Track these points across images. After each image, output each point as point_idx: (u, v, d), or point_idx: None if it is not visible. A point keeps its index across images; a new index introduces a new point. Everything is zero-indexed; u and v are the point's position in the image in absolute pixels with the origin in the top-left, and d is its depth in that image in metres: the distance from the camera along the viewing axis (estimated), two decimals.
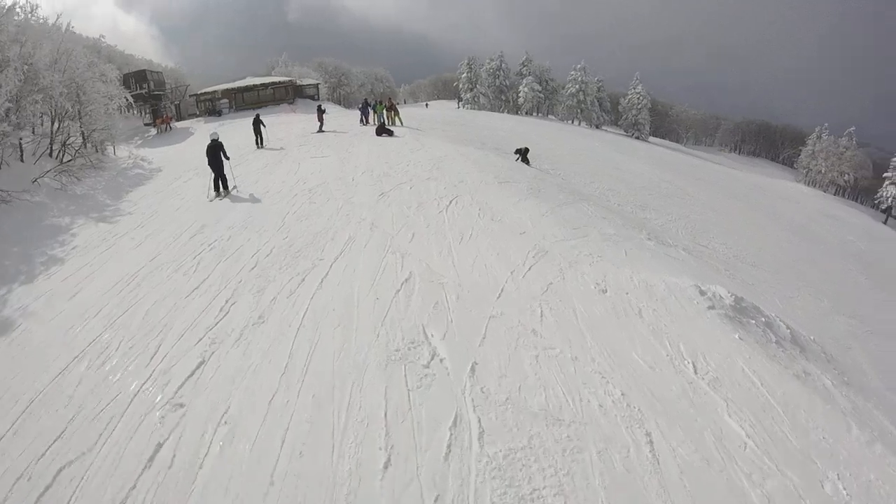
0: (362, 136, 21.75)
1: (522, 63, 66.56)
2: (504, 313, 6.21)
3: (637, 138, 61.69)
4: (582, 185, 20.47)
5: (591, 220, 12.55)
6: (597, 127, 63.44)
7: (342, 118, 30.32)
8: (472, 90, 64.37)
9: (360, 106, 27.80)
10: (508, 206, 11.61)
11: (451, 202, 11.46)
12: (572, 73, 63.56)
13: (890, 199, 52.11)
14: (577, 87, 62.14)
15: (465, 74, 65.45)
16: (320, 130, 23.67)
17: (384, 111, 24.53)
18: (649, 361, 5.67)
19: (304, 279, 7.34)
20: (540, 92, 63.16)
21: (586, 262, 8.17)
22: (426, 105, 66.42)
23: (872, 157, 62.87)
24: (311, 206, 11.38)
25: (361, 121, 26.31)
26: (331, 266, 7.74)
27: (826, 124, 62.74)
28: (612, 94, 68.35)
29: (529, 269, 7.67)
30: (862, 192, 63.37)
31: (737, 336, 6.53)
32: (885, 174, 53.68)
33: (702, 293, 7.49)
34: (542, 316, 6.18)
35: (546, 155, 25.04)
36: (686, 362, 5.82)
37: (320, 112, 24.83)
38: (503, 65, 64.89)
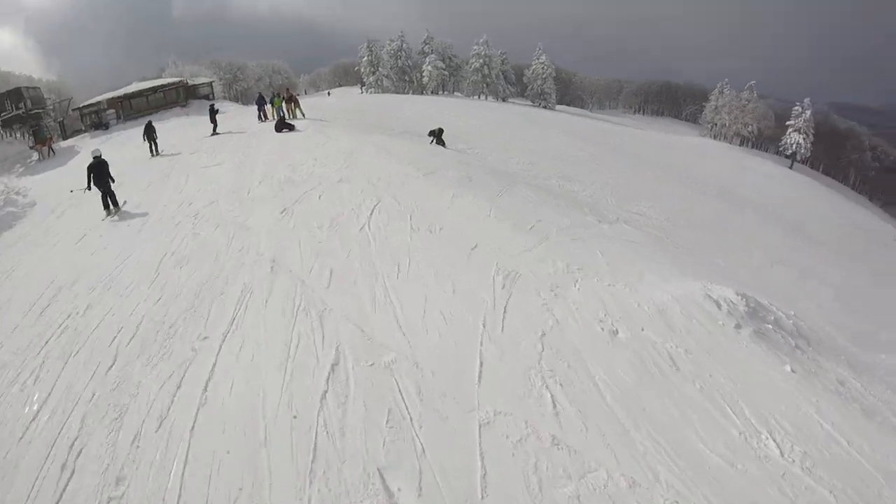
0: (261, 134, 18.46)
1: (424, 41, 62.42)
2: (499, 412, 3.86)
3: (544, 108, 60.04)
4: (501, 161, 18.84)
5: (537, 209, 10.74)
6: (503, 100, 60.95)
7: (239, 117, 26.49)
8: (374, 74, 60.33)
9: (256, 101, 24.22)
10: (444, 207, 9.40)
11: (372, 211, 8.97)
12: (475, 47, 60.36)
13: (794, 146, 53.07)
14: (480, 61, 59.28)
15: (365, 58, 61.16)
16: (214, 133, 20.06)
17: (282, 104, 21.28)
18: (724, 453, 3.71)
19: (180, 383, 4.55)
20: (444, 69, 59.82)
21: (570, 284, 6.01)
22: (328, 94, 61.20)
23: (773, 108, 63.47)
24: (195, 239, 8.41)
25: (259, 117, 22.79)
26: (219, 350, 5.00)
27: (727, 80, 62.58)
28: (517, 65, 65.89)
29: (505, 310, 5.38)
30: (766, 140, 64.53)
31: (788, 369, 4.90)
32: (787, 122, 54.62)
33: (718, 305, 5.75)
34: (555, 405, 3.92)
35: (459, 133, 23.05)
36: (763, 438, 3.96)
37: (213, 112, 21.12)
38: (404, 45, 60.64)
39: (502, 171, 15.98)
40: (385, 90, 57.52)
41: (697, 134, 62.21)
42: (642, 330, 5.04)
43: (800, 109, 53.63)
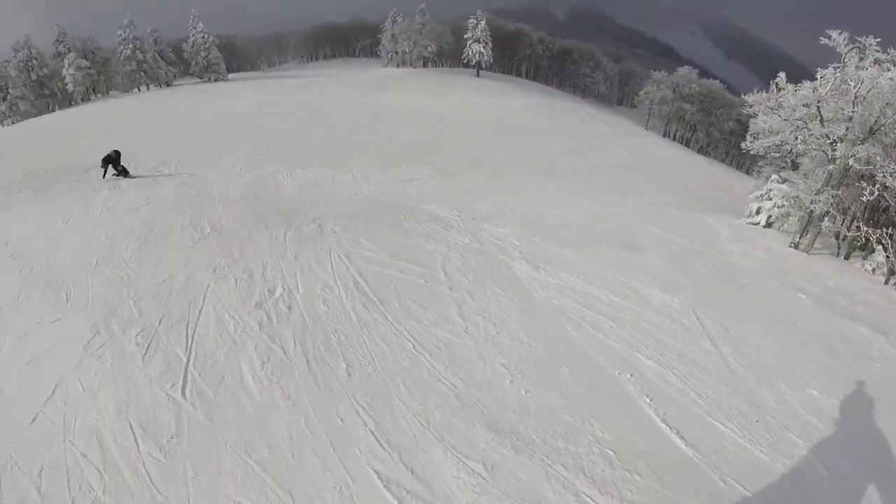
0: None
1: (57, 40, 46.25)
2: None
3: (216, 80, 50.59)
4: (215, 182, 13.55)
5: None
6: (167, 85, 49.50)
7: None
8: (5, 99, 42.95)
9: None
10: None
11: None
12: (120, 32, 46.85)
13: (476, 55, 52.04)
14: (131, 47, 46.52)
15: None
16: None
17: None
18: None
19: None
20: (90, 68, 45.23)
21: None
22: None
23: (449, 24, 59.99)
24: None
25: None
26: None
27: (395, 8, 59.00)
28: (173, 41, 53.52)
29: None
30: (449, 56, 61.85)
31: None
32: (465, 35, 52.88)
33: None
34: None
35: (138, 150, 16.68)
36: None
37: None
38: (33, 51, 43.62)
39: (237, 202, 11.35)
40: (24, 115, 42.13)
41: (380, 65, 59.53)
42: None
43: (475, 21, 52.50)
